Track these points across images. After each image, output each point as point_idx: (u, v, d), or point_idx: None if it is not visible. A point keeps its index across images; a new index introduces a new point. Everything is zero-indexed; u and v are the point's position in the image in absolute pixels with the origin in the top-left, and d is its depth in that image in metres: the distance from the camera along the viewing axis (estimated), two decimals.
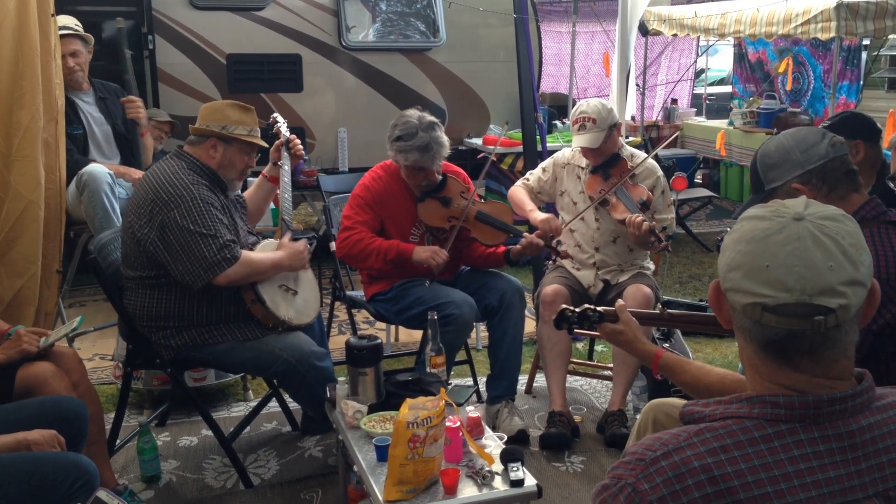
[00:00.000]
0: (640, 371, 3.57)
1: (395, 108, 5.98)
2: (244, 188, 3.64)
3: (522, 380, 3.91)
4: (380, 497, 2.24)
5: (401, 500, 2.22)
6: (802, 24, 5.99)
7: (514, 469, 2.32)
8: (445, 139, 3.43)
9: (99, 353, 4.46)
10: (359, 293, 3.77)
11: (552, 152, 4.21)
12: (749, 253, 1.15)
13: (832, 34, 5.80)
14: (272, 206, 3.82)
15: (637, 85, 8.00)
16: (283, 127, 3.43)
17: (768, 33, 6.53)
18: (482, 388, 3.72)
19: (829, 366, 1.14)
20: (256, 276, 2.99)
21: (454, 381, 3.33)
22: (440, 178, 3.51)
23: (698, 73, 11.39)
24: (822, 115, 8.35)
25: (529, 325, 3.95)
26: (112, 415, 3.27)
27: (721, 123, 9.00)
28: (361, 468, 2.44)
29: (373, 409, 2.69)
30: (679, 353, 2.32)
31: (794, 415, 1.12)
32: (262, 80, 6.08)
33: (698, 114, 10.16)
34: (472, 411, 2.61)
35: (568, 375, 3.65)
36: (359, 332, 3.86)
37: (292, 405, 3.58)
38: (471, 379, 3.88)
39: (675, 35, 7.75)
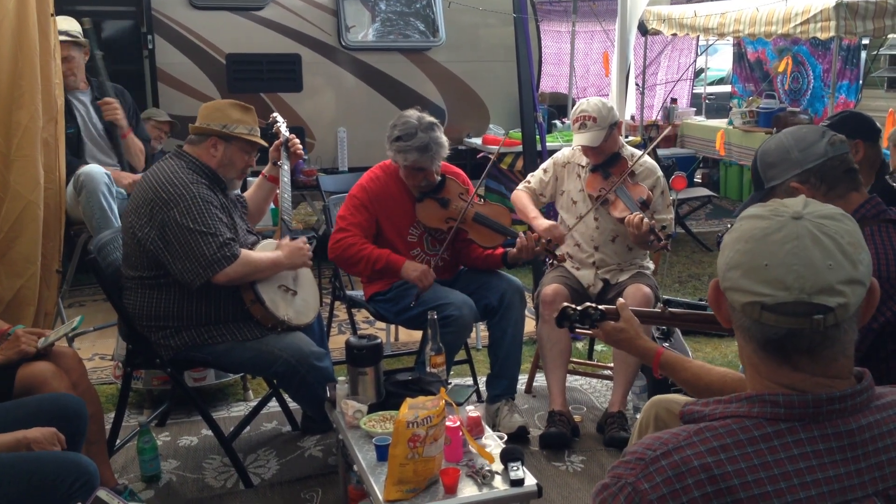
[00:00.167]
0: (641, 371, 3.57)
1: (394, 107, 5.98)
2: (244, 188, 3.64)
3: (522, 379, 3.91)
4: (380, 496, 2.24)
5: (401, 500, 2.22)
6: (802, 24, 5.99)
7: (514, 468, 2.32)
8: (445, 139, 3.43)
9: (99, 352, 4.46)
10: (358, 293, 3.77)
11: (552, 152, 4.21)
12: (748, 252, 1.15)
13: (831, 33, 5.80)
14: (272, 205, 3.82)
15: (636, 84, 8.00)
16: (282, 127, 3.43)
17: (768, 33, 6.54)
18: (482, 387, 3.72)
19: (828, 365, 1.14)
20: (256, 275, 2.99)
21: (454, 381, 3.33)
22: (439, 178, 3.51)
23: (698, 73, 11.39)
24: (821, 115, 8.35)
25: (529, 325, 3.95)
26: (112, 415, 3.27)
27: (720, 123, 9.01)
28: (361, 468, 2.44)
29: (373, 409, 2.69)
30: (679, 352, 2.33)
31: (794, 414, 1.12)
32: (262, 80, 6.07)
33: (698, 113, 10.16)
34: (472, 411, 2.61)
35: (568, 375, 3.65)
36: (359, 332, 3.86)
37: (292, 405, 3.58)
38: (471, 378, 3.88)
39: (674, 34, 7.75)
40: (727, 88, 11.19)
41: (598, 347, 4.43)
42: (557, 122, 6.95)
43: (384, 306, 3.53)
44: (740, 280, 1.15)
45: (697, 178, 9.19)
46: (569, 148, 3.82)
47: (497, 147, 3.77)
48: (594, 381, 4.11)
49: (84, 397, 2.64)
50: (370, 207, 3.47)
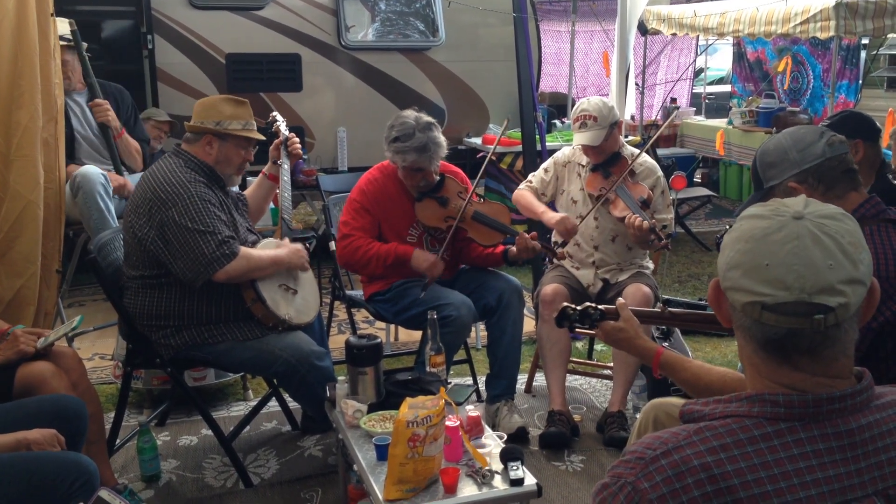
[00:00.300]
0: (640, 371, 3.57)
1: (394, 107, 5.98)
2: (244, 186, 3.64)
3: (522, 379, 3.91)
4: (380, 496, 2.24)
5: (401, 500, 2.22)
6: (801, 24, 5.99)
7: (514, 468, 2.32)
8: (443, 139, 3.43)
9: (98, 352, 4.46)
10: (358, 293, 3.77)
11: (551, 152, 4.21)
12: (748, 252, 1.15)
13: (831, 33, 5.80)
14: (272, 205, 3.82)
15: (636, 84, 8.00)
16: (282, 126, 3.43)
17: (767, 32, 6.54)
18: (482, 387, 3.72)
19: (828, 364, 1.14)
20: (256, 273, 2.98)
21: (454, 381, 3.33)
22: (438, 178, 3.51)
23: (697, 73, 11.39)
24: (821, 115, 8.35)
25: (529, 325, 3.95)
26: (112, 414, 3.27)
27: (720, 123, 9.01)
28: (361, 467, 2.44)
29: (372, 409, 2.69)
30: (679, 352, 2.32)
31: (794, 413, 1.12)
32: (262, 80, 6.07)
33: (697, 113, 10.16)
34: (472, 410, 2.61)
35: (567, 374, 3.65)
36: (358, 332, 3.86)
37: (292, 404, 3.58)
38: (470, 378, 3.88)
39: (674, 34, 7.75)
40: (727, 88, 11.19)
41: (598, 347, 4.43)
42: (557, 122, 6.96)
43: (384, 306, 3.53)
44: (741, 280, 1.15)
45: (697, 178, 9.19)
46: (569, 147, 3.82)
47: (492, 146, 3.77)
48: (594, 380, 4.11)
49: (84, 397, 2.64)
50: (371, 209, 3.47)
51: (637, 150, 3.76)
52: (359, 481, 2.60)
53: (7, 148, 3.32)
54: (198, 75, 5.92)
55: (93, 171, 3.97)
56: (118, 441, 3.18)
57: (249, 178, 4.01)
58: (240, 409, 3.77)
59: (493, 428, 3.35)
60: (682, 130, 9.48)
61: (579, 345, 4.45)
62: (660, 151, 8.23)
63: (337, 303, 4.03)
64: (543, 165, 3.89)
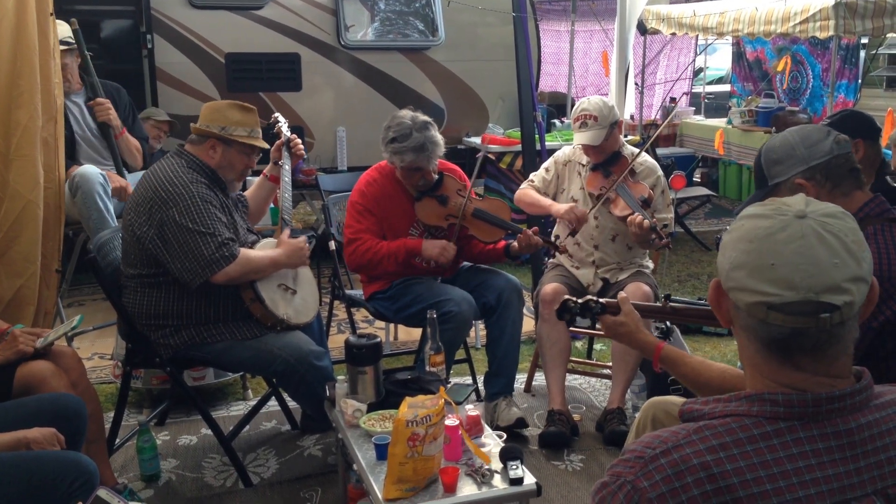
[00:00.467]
0: (640, 370, 3.58)
1: (393, 107, 5.97)
2: (244, 188, 3.64)
3: (521, 378, 3.92)
4: (379, 495, 2.24)
5: (400, 499, 2.22)
6: (801, 23, 5.99)
7: (514, 467, 2.32)
8: (440, 138, 3.42)
9: (98, 352, 4.46)
10: (358, 292, 3.77)
11: (551, 151, 4.21)
12: (753, 252, 1.14)
13: (830, 33, 5.80)
14: (272, 205, 3.82)
15: (636, 84, 8.00)
16: (283, 127, 3.43)
17: (767, 32, 6.54)
18: (481, 386, 3.72)
19: (830, 364, 1.14)
20: (255, 274, 2.99)
21: (453, 380, 3.33)
22: (436, 176, 3.51)
23: (697, 72, 11.39)
24: (820, 114, 8.35)
25: (528, 324, 3.95)
26: (111, 414, 3.27)
27: (719, 122, 9.01)
28: (361, 467, 2.44)
29: (372, 408, 2.69)
30: None
31: (793, 413, 1.12)
32: (261, 80, 6.07)
33: (697, 112, 10.16)
34: (472, 409, 2.61)
35: (567, 374, 3.65)
36: (358, 331, 3.86)
37: (291, 404, 3.58)
38: (470, 377, 3.89)
39: (673, 34, 7.75)
40: (726, 88, 11.19)
41: (598, 347, 4.43)
42: (556, 122, 6.96)
43: (384, 305, 3.53)
44: (746, 280, 1.14)
45: (696, 178, 9.19)
46: (569, 147, 3.82)
47: (487, 145, 3.79)
48: (593, 380, 4.11)
49: (83, 396, 2.64)
50: (374, 210, 3.47)
51: (637, 150, 3.77)
52: (358, 481, 2.60)
53: (7, 147, 3.32)
54: (197, 75, 5.91)
55: (92, 170, 3.97)
56: (118, 441, 3.18)
57: (250, 179, 4.01)
58: (239, 409, 3.77)
59: (492, 423, 3.36)
60: (681, 130, 9.48)
61: (578, 344, 4.45)
62: (659, 151, 8.23)
63: (336, 302, 4.03)
64: (544, 165, 3.89)
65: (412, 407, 2.24)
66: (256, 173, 3.55)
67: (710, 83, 12.26)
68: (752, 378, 1.20)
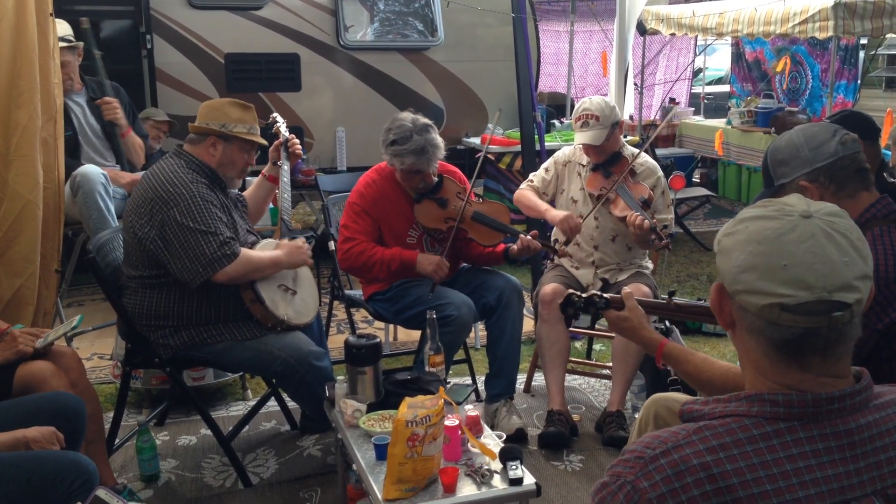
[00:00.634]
0: (640, 370, 3.58)
1: (393, 107, 5.98)
2: (243, 188, 3.64)
3: (521, 378, 3.91)
4: (379, 496, 2.25)
5: (400, 499, 2.22)
6: (800, 24, 6.00)
7: (513, 467, 2.32)
8: (440, 140, 3.42)
9: (97, 352, 4.46)
10: (357, 292, 3.77)
11: (550, 152, 4.21)
12: (762, 254, 1.14)
13: (830, 33, 5.80)
14: (271, 205, 3.82)
15: (635, 84, 8.00)
16: (282, 127, 3.43)
17: (766, 32, 6.54)
18: (481, 387, 3.72)
19: (835, 363, 1.15)
20: (256, 274, 2.99)
21: (453, 380, 3.33)
22: (436, 179, 3.51)
23: (696, 73, 11.40)
24: (819, 115, 8.35)
25: (528, 325, 3.95)
26: (111, 414, 3.27)
27: (719, 123, 9.01)
28: (360, 467, 2.44)
29: (372, 408, 2.69)
30: None
31: (793, 413, 1.12)
32: (261, 80, 6.07)
33: (696, 113, 10.16)
34: (471, 410, 2.61)
35: (567, 374, 3.65)
36: (357, 332, 3.86)
37: (291, 404, 3.58)
38: (469, 378, 3.89)
39: (672, 34, 7.75)
40: (725, 88, 11.19)
41: (597, 347, 4.44)
42: (556, 122, 6.96)
43: (383, 306, 3.53)
44: (757, 282, 1.14)
45: (696, 178, 9.19)
46: (569, 147, 3.82)
47: (485, 145, 3.78)
48: (593, 380, 4.11)
49: (83, 396, 2.64)
50: (371, 212, 3.47)
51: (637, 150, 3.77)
52: (358, 481, 2.60)
53: (6, 148, 3.32)
54: (197, 75, 5.92)
55: (92, 170, 3.97)
56: (117, 441, 3.18)
57: (249, 179, 4.01)
58: (239, 409, 3.77)
59: (492, 428, 3.36)
60: (680, 130, 9.48)
61: (578, 345, 4.45)
62: (658, 151, 8.23)
63: (336, 303, 4.03)
64: (544, 165, 3.89)
65: (412, 407, 2.24)
66: (255, 173, 3.55)
67: (710, 84, 12.27)
68: (752, 379, 1.20)
